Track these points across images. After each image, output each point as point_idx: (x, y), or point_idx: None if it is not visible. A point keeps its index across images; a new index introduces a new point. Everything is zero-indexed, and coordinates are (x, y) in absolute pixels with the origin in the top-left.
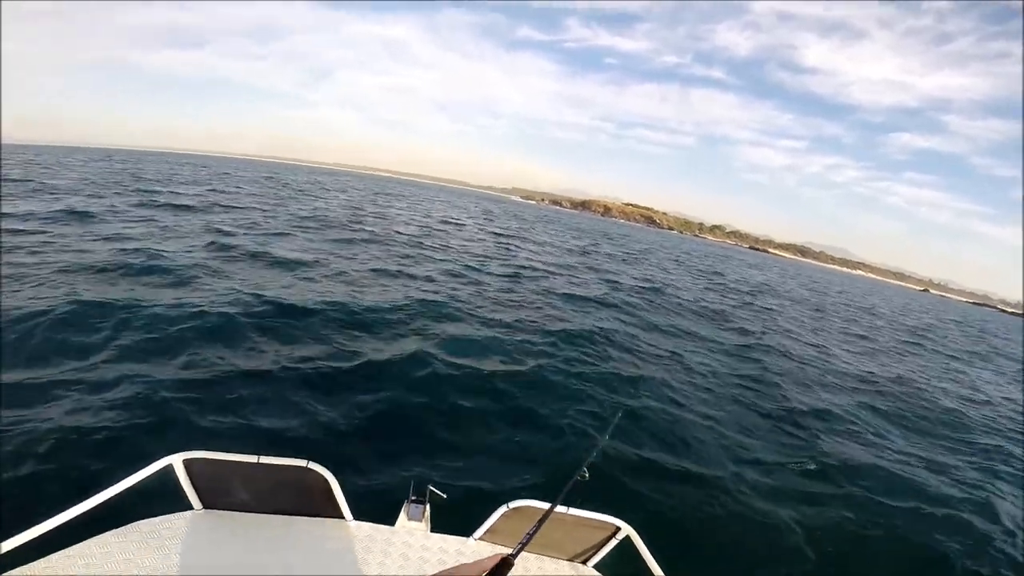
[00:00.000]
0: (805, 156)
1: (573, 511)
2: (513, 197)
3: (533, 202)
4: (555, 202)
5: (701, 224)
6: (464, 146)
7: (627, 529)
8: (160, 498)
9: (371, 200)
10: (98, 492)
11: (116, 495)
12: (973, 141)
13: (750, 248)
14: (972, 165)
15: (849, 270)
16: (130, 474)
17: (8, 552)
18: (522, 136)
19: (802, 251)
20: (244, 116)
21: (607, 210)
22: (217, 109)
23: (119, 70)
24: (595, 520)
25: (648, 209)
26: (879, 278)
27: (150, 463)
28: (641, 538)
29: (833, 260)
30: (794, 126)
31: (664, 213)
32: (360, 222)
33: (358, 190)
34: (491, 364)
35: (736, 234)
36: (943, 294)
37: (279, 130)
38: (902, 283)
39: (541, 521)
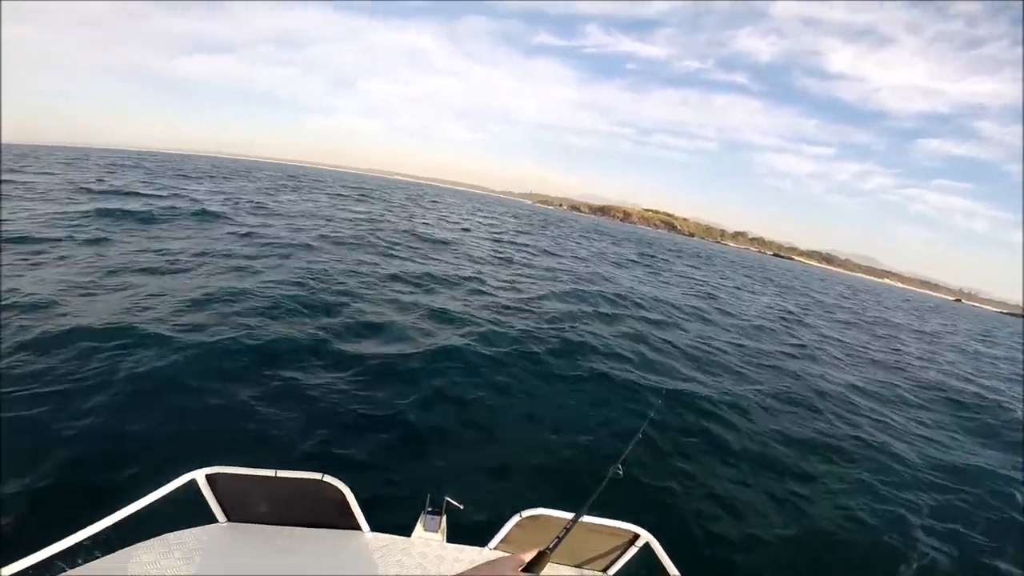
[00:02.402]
0: (832, 163)
1: (589, 518)
2: (526, 202)
3: (551, 207)
4: (574, 207)
5: (723, 231)
6: (482, 152)
7: (646, 536)
8: (186, 510)
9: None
10: (124, 506)
11: (141, 509)
12: (1007, 148)
13: (774, 255)
14: (1006, 172)
15: (877, 279)
16: (155, 488)
17: (37, 564)
18: (539, 142)
19: (827, 259)
20: (269, 122)
21: (627, 215)
22: (239, 115)
23: (146, 75)
24: (613, 527)
25: (668, 215)
26: (909, 287)
27: (174, 478)
28: (661, 545)
29: (860, 268)
30: (820, 132)
31: (684, 219)
32: None
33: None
34: None
35: (759, 241)
36: (975, 304)
37: (305, 136)
38: (933, 292)
39: (568, 527)
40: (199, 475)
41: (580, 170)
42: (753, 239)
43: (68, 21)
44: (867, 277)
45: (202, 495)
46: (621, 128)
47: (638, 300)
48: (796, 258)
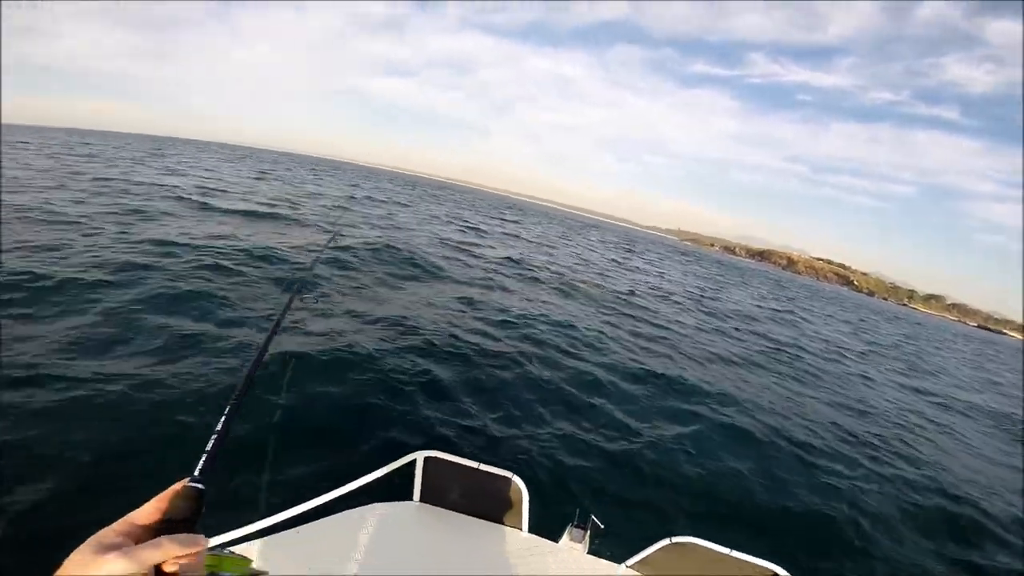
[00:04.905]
0: None
1: (734, 553)
2: (672, 239)
3: (702, 247)
4: (728, 249)
5: (912, 292)
6: (630, 183)
7: (784, 574)
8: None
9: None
10: (362, 475)
11: (376, 479)
12: None
13: (978, 327)
14: None
15: None
16: (387, 463)
17: (293, 517)
18: (693, 176)
19: None
20: (436, 141)
21: (791, 263)
22: (412, 131)
23: (349, 94)
24: (752, 563)
25: (843, 267)
26: None
27: (402, 455)
28: None
29: None
30: None
31: (864, 274)
32: None
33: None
34: None
35: (958, 308)
36: None
37: (465, 157)
38: None
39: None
40: (420, 456)
41: (735, 208)
42: (951, 305)
43: (294, 45)
44: None
45: (412, 473)
46: (791, 164)
47: None
48: (1009, 332)
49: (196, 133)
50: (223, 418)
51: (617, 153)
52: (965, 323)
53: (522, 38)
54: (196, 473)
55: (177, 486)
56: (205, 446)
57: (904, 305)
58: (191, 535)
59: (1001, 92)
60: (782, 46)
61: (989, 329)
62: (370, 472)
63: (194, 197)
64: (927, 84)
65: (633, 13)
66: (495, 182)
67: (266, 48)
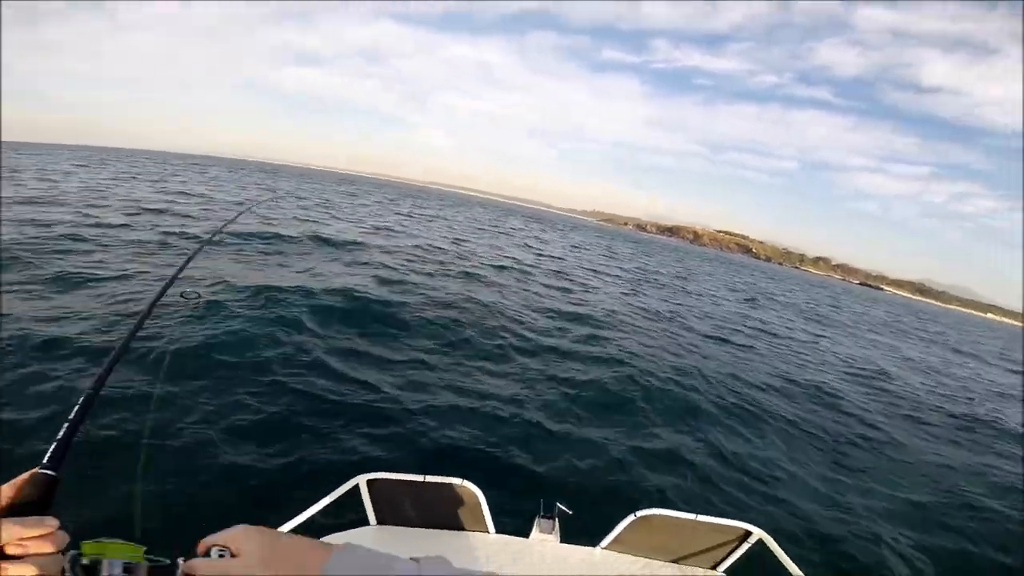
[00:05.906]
0: (927, 183)
1: (702, 517)
2: (591, 220)
3: (617, 227)
4: (640, 227)
5: (803, 256)
6: (547, 168)
7: (759, 533)
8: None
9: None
10: (304, 509)
11: (315, 513)
12: None
13: (860, 284)
14: None
15: (979, 313)
16: (325, 494)
17: None
18: (607, 159)
19: (921, 290)
20: (345, 133)
21: (697, 236)
22: (317, 123)
23: (249, 84)
24: (724, 525)
25: (743, 237)
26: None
27: (342, 483)
28: (775, 541)
29: (959, 301)
30: (914, 150)
31: (761, 242)
32: None
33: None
34: None
35: (843, 268)
36: None
37: (381, 148)
38: None
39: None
40: (362, 480)
41: (648, 188)
42: (836, 265)
43: (185, 29)
44: (966, 310)
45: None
46: (695, 146)
47: None
48: (885, 287)
49: (75, 136)
50: (76, 407)
51: (536, 139)
52: (849, 281)
53: (436, 26)
54: (45, 461)
55: (26, 474)
56: (57, 434)
57: (797, 268)
58: (37, 518)
59: (867, 74)
60: (682, 33)
61: (869, 285)
62: (309, 507)
63: None
64: (805, 67)
65: (550, 5)
66: (407, 172)
67: (151, 38)
